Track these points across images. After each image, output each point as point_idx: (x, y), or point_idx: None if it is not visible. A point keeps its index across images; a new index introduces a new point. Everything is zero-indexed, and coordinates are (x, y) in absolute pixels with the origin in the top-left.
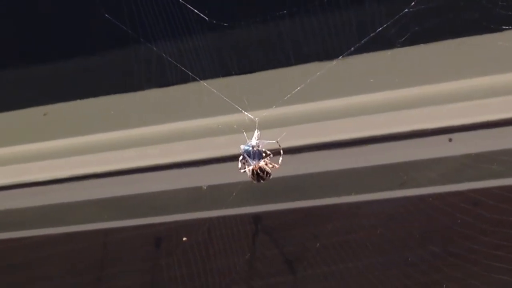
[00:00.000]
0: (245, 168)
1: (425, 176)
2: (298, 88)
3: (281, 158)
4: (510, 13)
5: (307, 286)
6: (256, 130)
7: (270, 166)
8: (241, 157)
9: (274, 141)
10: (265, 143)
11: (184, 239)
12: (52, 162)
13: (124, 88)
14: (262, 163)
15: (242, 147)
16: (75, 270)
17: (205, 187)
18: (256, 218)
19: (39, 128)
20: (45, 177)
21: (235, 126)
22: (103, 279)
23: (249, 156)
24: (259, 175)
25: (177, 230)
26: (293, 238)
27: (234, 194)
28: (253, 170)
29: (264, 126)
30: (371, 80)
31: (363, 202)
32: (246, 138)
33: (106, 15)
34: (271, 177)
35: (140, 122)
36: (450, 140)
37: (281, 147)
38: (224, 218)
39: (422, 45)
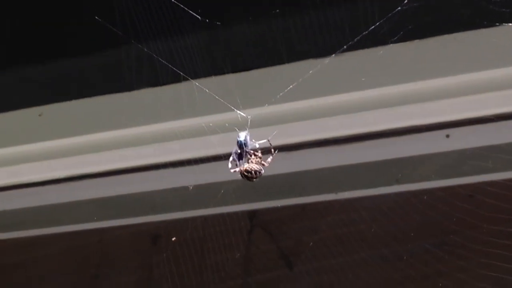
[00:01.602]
0: (235, 168)
1: (422, 171)
2: (291, 86)
3: (271, 157)
4: (503, 9)
5: (303, 280)
6: (247, 129)
7: (259, 163)
8: (231, 158)
9: (265, 140)
10: (256, 143)
11: (173, 239)
12: (47, 162)
13: (118, 88)
14: (246, 165)
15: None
16: (72, 268)
17: (191, 187)
18: (253, 214)
19: (34, 129)
20: (41, 178)
21: (226, 125)
22: (100, 277)
23: (238, 157)
24: (247, 176)
25: (173, 227)
26: (289, 233)
27: (230, 191)
28: (240, 172)
29: (258, 124)
30: (366, 77)
31: (360, 198)
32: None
33: (96, 17)
34: (262, 172)
35: (134, 121)
36: (447, 136)
37: (272, 146)
38: (220, 215)
39: (417, 40)
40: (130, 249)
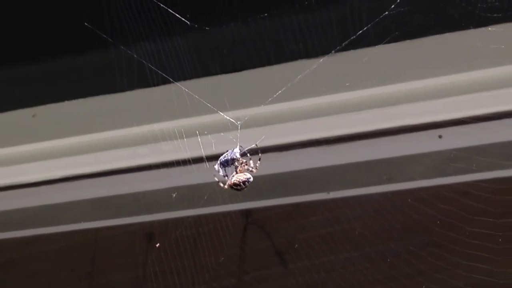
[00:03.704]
0: (223, 182)
1: (411, 172)
2: (279, 91)
3: (258, 162)
4: (488, 14)
5: (297, 278)
6: (238, 145)
7: (248, 170)
8: (219, 172)
9: (253, 145)
10: (245, 149)
11: (157, 245)
12: (41, 163)
13: (112, 89)
14: (234, 178)
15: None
16: (67, 267)
17: (174, 195)
18: (247, 213)
19: (28, 130)
20: (35, 179)
21: (222, 134)
22: (94, 275)
23: (223, 167)
24: (236, 189)
25: (167, 226)
26: (283, 232)
27: (223, 191)
28: (229, 187)
29: (248, 125)
30: (358, 77)
31: (351, 197)
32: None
33: (86, 23)
34: (251, 180)
35: (128, 122)
36: (440, 136)
37: (260, 151)
38: (214, 214)
39: (408, 41)
40: (125, 248)
